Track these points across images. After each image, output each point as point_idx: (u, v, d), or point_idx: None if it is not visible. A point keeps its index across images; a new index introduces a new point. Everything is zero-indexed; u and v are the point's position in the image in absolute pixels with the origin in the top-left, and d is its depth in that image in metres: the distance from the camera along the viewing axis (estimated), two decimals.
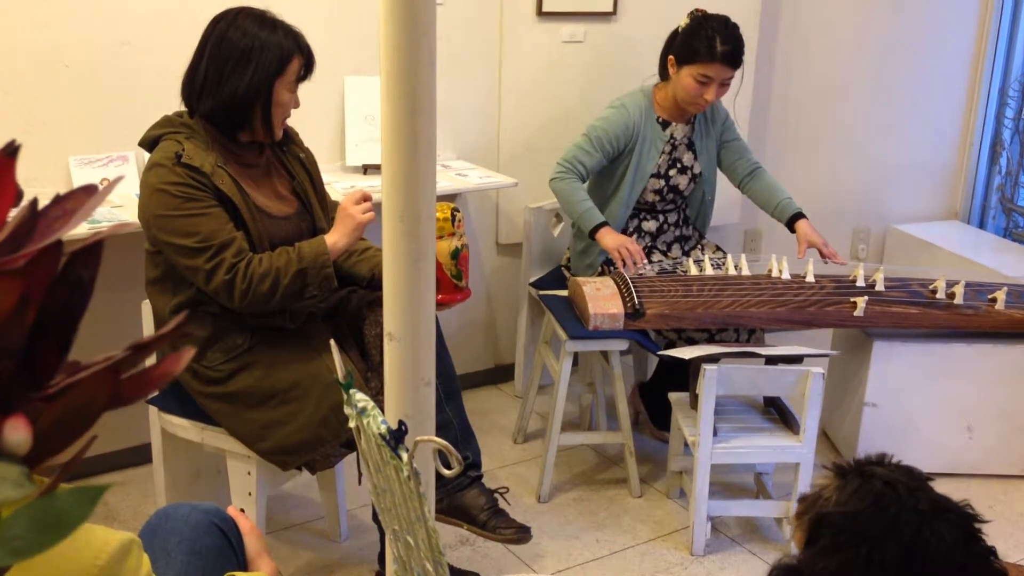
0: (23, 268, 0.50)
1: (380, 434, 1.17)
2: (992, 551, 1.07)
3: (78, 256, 0.52)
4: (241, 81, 2.15)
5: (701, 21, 2.94)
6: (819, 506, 1.10)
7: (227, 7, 2.21)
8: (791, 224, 3.10)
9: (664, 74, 3.06)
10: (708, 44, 2.88)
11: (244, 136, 2.23)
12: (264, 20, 2.18)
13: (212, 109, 2.17)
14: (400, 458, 1.15)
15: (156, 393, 2.32)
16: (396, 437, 1.16)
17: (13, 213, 0.53)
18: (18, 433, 0.50)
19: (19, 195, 0.54)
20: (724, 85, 2.95)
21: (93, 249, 0.52)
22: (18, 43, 2.61)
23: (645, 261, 2.95)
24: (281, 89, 2.19)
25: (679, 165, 3.12)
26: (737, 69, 2.94)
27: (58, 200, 0.53)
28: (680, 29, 3.00)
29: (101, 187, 0.54)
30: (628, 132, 3.01)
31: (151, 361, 0.55)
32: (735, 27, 2.93)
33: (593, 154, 3.00)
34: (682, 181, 3.13)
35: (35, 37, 2.63)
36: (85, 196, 0.52)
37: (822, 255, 3.02)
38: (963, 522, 1.05)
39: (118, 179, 0.56)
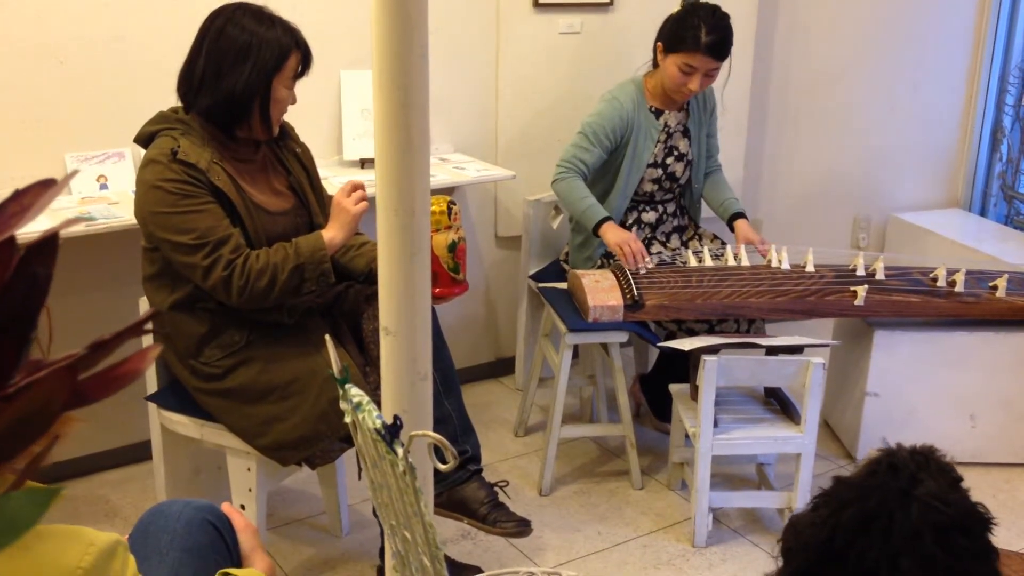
0: None
1: (375, 429, 1.17)
2: (984, 550, 1.05)
3: (32, 252, 0.50)
4: (239, 78, 2.14)
5: (690, 9, 2.92)
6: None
7: (223, 2, 2.20)
8: (731, 222, 3.13)
9: (656, 62, 3.04)
10: (694, 34, 2.86)
11: (241, 132, 2.22)
12: (262, 16, 2.17)
13: (210, 106, 2.16)
14: (395, 453, 1.15)
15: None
16: (391, 432, 1.15)
17: None
18: None
19: None
20: (709, 76, 2.93)
21: (47, 244, 0.50)
22: (11, 39, 2.60)
23: (648, 259, 2.93)
24: (279, 85, 2.18)
25: (676, 153, 3.10)
26: (723, 60, 2.92)
27: (16, 195, 0.51)
28: (671, 16, 2.98)
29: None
30: (623, 123, 3.00)
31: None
32: (724, 17, 2.91)
33: (592, 150, 2.98)
34: (679, 168, 3.12)
35: (29, 33, 2.62)
36: (42, 190, 0.50)
37: (759, 252, 3.06)
38: (957, 517, 1.04)
39: (73, 173, 0.54)
